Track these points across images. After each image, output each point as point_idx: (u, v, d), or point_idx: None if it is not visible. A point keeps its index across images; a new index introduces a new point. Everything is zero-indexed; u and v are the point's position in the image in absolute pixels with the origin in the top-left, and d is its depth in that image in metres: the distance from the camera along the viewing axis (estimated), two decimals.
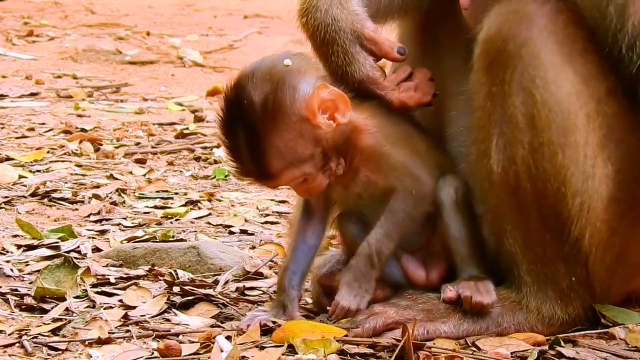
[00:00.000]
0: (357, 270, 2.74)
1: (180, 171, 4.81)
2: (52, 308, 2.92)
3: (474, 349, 2.66)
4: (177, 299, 2.98)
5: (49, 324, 2.81)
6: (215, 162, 4.98)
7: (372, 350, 2.61)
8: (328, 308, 2.77)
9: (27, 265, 3.33)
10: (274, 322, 2.72)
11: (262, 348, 2.60)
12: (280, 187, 2.85)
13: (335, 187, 2.82)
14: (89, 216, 3.98)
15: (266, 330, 2.70)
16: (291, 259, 2.84)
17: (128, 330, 2.74)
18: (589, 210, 2.70)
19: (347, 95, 2.74)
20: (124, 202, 4.22)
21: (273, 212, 4.15)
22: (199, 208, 4.17)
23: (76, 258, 3.27)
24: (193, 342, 2.67)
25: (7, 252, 3.49)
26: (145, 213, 4.07)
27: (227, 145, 2.75)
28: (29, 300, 2.98)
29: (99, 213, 4.01)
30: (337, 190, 2.83)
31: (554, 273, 2.74)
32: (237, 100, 2.70)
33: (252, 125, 2.68)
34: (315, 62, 2.80)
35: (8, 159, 4.79)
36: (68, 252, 3.41)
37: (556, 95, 2.66)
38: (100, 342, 2.67)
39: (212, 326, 2.80)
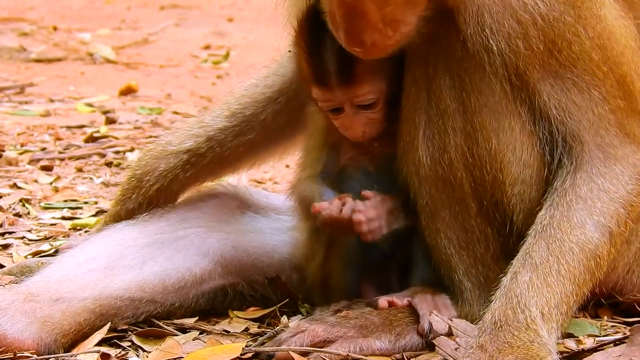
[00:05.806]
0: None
1: (90, 178, 4.75)
2: None
3: None
4: None
5: None
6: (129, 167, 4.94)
7: None
8: None
9: None
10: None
11: None
12: (346, 101, 2.72)
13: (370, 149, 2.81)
14: None
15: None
16: None
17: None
18: (530, 199, 2.65)
19: None
20: (28, 213, 4.15)
21: None
22: None
23: None
24: None
25: None
26: (51, 225, 4.01)
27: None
28: None
29: (1, 226, 3.94)
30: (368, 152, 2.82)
31: (497, 274, 2.63)
32: None
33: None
34: None
35: None
36: None
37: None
38: None
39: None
